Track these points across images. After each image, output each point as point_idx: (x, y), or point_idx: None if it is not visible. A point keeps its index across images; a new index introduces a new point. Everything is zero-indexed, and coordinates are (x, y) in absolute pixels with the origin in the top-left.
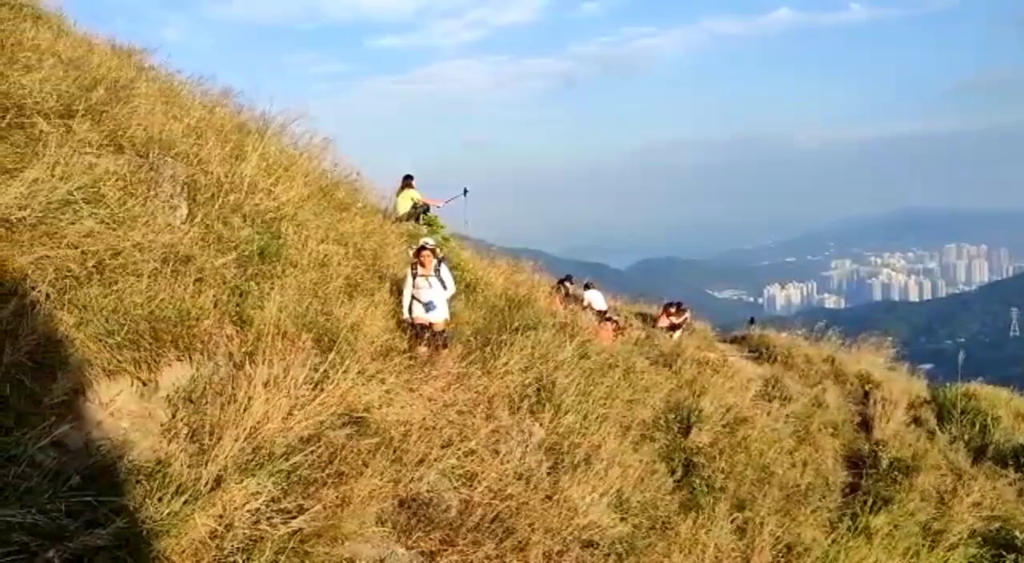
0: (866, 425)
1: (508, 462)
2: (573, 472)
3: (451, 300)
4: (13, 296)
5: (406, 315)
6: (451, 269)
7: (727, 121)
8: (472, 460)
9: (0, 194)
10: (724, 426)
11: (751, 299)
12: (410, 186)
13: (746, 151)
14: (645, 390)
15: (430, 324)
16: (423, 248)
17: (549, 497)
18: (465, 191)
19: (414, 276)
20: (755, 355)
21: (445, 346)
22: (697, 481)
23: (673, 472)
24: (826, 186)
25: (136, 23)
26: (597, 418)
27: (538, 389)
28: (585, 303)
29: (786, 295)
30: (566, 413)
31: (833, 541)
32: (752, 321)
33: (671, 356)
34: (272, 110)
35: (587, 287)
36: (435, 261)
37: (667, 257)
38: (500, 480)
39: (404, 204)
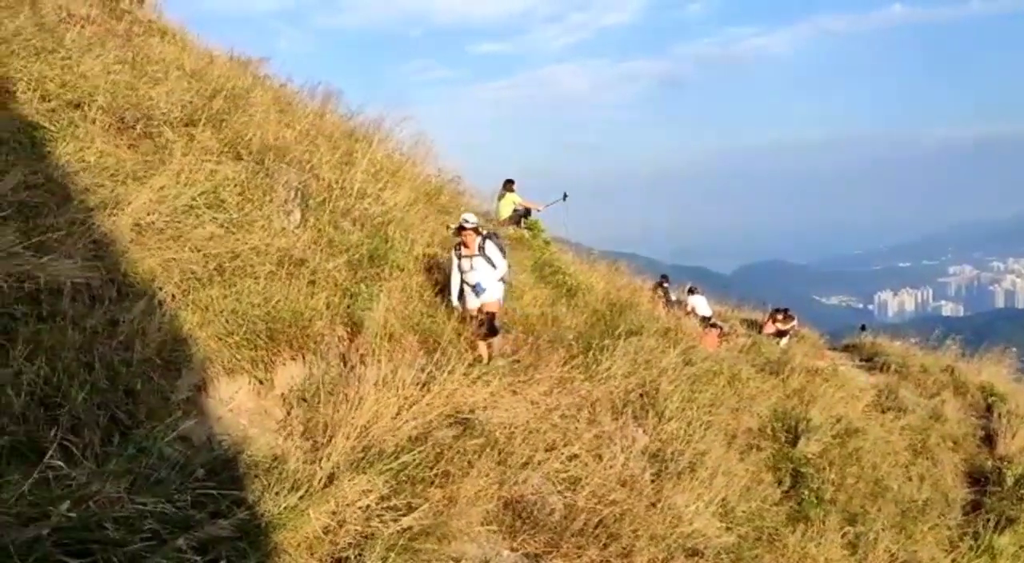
0: (989, 440)
1: (611, 467)
2: (677, 479)
3: (505, 281)
4: (142, 296)
5: (455, 302)
6: (501, 246)
7: (835, 121)
8: (576, 464)
9: (132, 200)
10: (834, 437)
11: (861, 305)
12: (511, 190)
13: (855, 152)
14: (751, 398)
15: (482, 309)
16: (463, 226)
17: (653, 504)
18: (565, 196)
19: (459, 257)
20: (867, 364)
21: (495, 333)
22: (805, 492)
23: (780, 482)
24: (944, 188)
25: (252, 34)
26: (701, 425)
27: (641, 395)
28: (689, 308)
29: (899, 301)
30: (670, 419)
31: (953, 561)
32: (863, 328)
33: (778, 364)
34: (379, 116)
35: (691, 292)
36: (479, 239)
37: (772, 261)
38: (603, 485)
39: (505, 208)
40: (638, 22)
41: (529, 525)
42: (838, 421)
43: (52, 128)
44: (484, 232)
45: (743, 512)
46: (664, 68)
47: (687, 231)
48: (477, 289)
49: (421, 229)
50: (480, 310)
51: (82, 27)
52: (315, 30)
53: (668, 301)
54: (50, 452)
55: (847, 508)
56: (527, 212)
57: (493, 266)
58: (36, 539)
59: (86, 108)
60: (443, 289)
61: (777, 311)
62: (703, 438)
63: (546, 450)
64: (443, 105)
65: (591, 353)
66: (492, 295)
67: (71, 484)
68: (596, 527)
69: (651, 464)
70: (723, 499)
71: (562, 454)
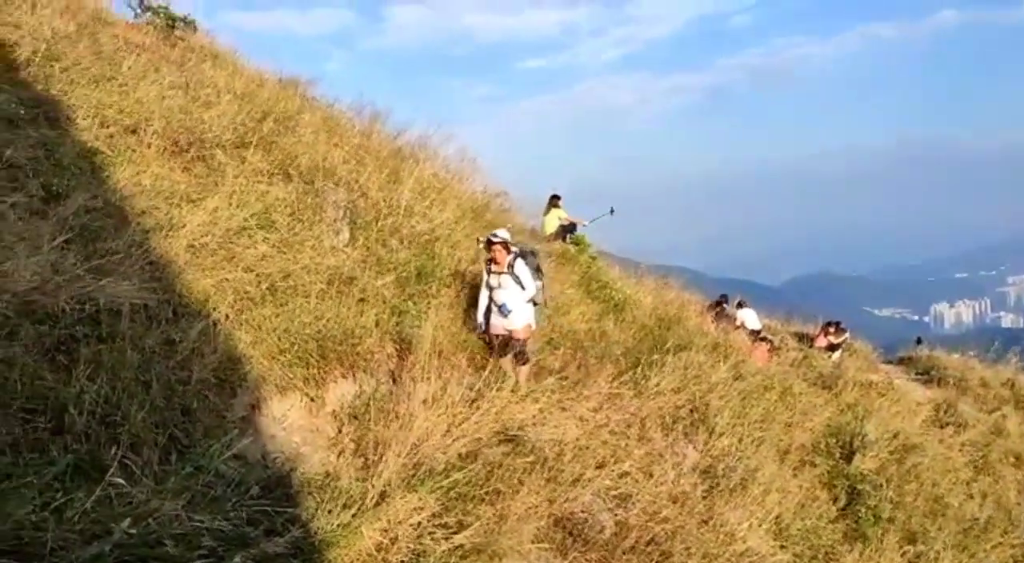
0: None
1: (662, 484)
2: (729, 496)
3: (538, 303)
4: (197, 317)
5: (479, 319)
6: (535, 266)
7: (886, 129)
8: (626, 481)
9: (186, 222)
10: (891, 453)
11: (915, 317)
12: (556, 206)
13: (907, 160)
14: (803, 413)
15: (509, 333)
16: (491, 241)
17: (705, 521)
18: (612, 211)
19: (488, 273)
20: (923, 378)
21: (524, 361)
22: (862, 510)
23: (836, 500)
24: (1001, 195)
25: (301, 56)
26: (753, 441)
27: (691, 410)
28: (738, 322)
29: (956, 313)
30: (721, 435)
31: None
32: (919, 341)
33: (831, 378)
34: (425, 135)
35: (739, 305)
36: (509, 256)
37: (822, 272)
38: (654, 502)
39: (551, 223)
40: (683, 34)
41: (580, 543)
42: (895, 437)
43: (110, 153)
44: (516, 249)
45: (798, 530)
46: (709, 80)
47: (734, 243)
48: (503, 309)
49: (467, 246)
50: (508, 334)
51: (138, 54)
52: (361, 51)
53: (720, 317)
54: (111, 470)
55: (906, 527)
56: (573, 227)
57: (521, 287)
58: (99, 555)
59: (142, 133)
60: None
61: (828, 324)
62: (755, 454)
63: (596, 467)
64: (487, 122)
65: (640, 368)
66: (519, 318)
67: (131, 501)
68: (648, 545)
69: (702, 481)
70: (777, 516)
71: (612, 471)
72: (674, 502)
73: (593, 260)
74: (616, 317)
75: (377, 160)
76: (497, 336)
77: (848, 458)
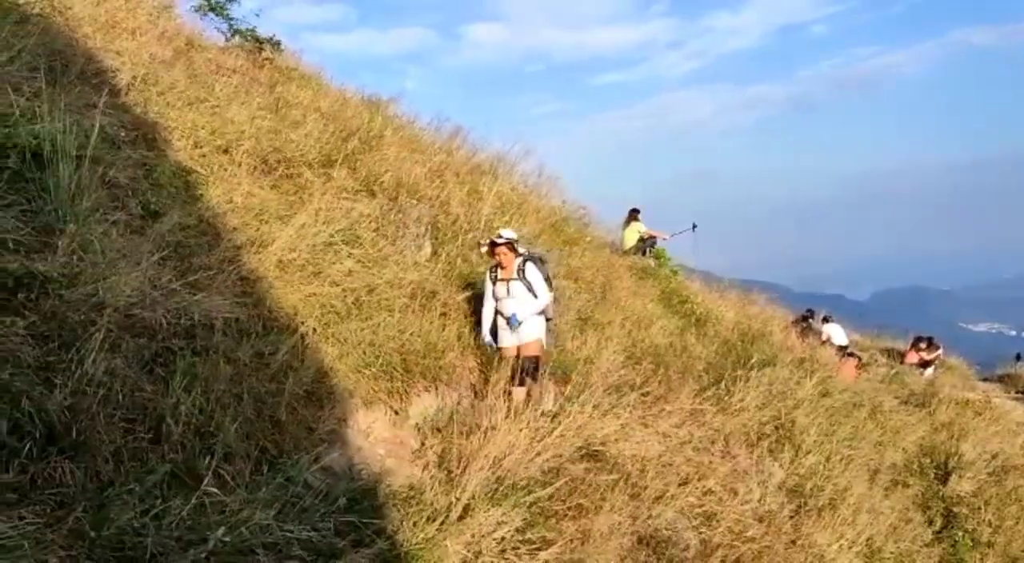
0: None
1: (747, 503)
2: (818, 516)
3: (549, 316)
4: (286, 331)
5: (487, 338)
6: (546, 272)
7: (977, 141)
8: (710, 499)
9: (275, 239)
10: (990, 474)
11: (1013, 333)
12: (636, 219)
13: (1002, 172)
14: (895, 432)
15: (520, 350)
16: (495, 243)
17: (793, 542)
18: (694, 226)
19: (493, 281)
20: None
21: (533, 378)
22: (960, 534)
23: (931, 522)
24: None
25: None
26: (841, 460)
27: (776, 427)
28: (824, 337)
29: None
30: (807, 453)
31: None
32: (1019, 357)
33: (924, 395)
34: (504, 150)
35: (826, 320)
36: (518, 259)
37: (912, 287)
38: (740, 521)
39: (631, 237)
40: (761, 46)
41: (664, 561)
42: (994, 457)
43: (204, 172)
44: (524, 252)
45: (891, 553)
46: (789, 91)
47: (818, 257)
48: (512, 321)
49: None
50: (518, 351)
51: (229, 77)
52: (438, 69)
53: (805, 332)
54: (206, 479)
55: (1007, 552)
56: (653, 241)
57: (534, 295)
58: (195, 562)
59: (233, 152)
60: (571, 324)
61: (920, 339)
62: (844, 473)
63: (680, 484)
64: (562, 137)
65: (723, 384)
66: (531, 331)
67: (225, 510)
68: None
69: (789, 500)
70: (868, 538)
71: (696, 488)
72: (760, 521)
73: (674, 274)
74: (698, 332)
75: (457, 176)
76: (508, 356)
77: (943, 479)
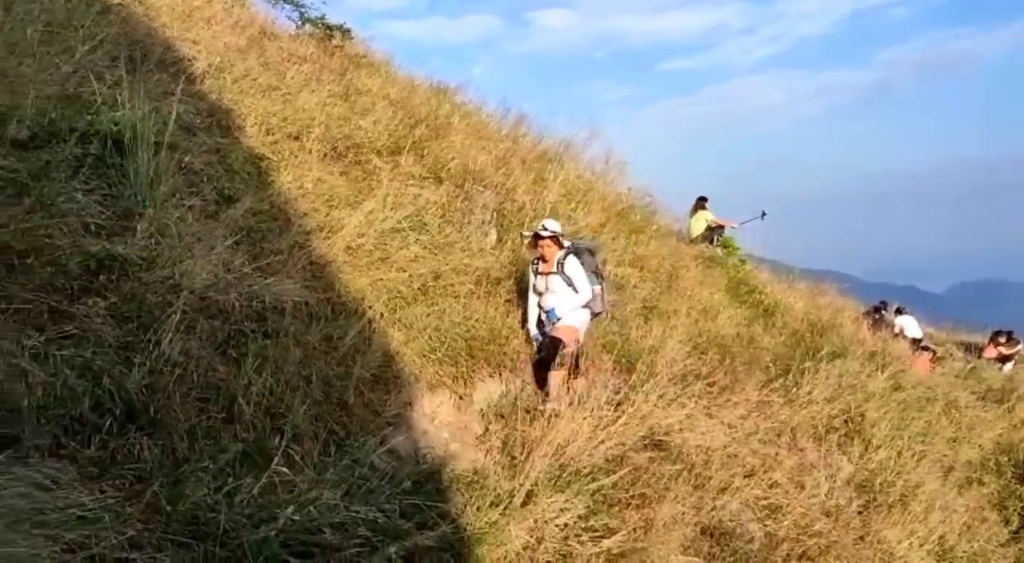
0: None
1: (814, 496)
2: (887, 512)
3: (595, 311)
4: (354, 315)
5: (533, 332)
6: (593, 265)
7: None
8: (776, 492)
9: (344, 224)
10: None
11: None
12: (703, 207)
13: None
14: (970, 428)
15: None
16: (539, 235)
17: (861, 537)
18: (763, 214)
19: (535, 274)
20: None
21: (551, 359)
22: None
23: (1007, 522)
24: None
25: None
26: (913, 455)
27: (845, 421)
28: (897, 330)
29: None
30: (878, 448)
31: None
32: None
33: (1002, 391)
34: (569, 137)
35: (899, 312)
36: (560, 252)
37: (990, 279)
38: (806, 515)
39: (698, 225)
40: (837, 30)
41: (728, 553)
42: None
43: (275, 158)
44: (568, 244)
45: (964, 552)
46: (864, 78)
47: (893, 248)
48: (551, 316)
49: (612, 248)
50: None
51: (300, 65)
52: (506, 56)
53: (877, 324)
54: (276, 459)
55: None
56: (721, 229)
57: (574, 290)
58: (266, 539)
59: (304, 139)
60: (636, 312)
61: (999, 333)
62: (915, 469)
63: (745, 476)
64: (629, 124)
65: (790, 376)
66: (566, 320)
67: (294, 490)
68: (800, 559)
69: (858, 495)
70: (940, 536)
71: (762, 481)
72: (827, 516)
73: (742, 263)
74: (765, 322)
75: (523, 163)
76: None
77: (1021, 478)
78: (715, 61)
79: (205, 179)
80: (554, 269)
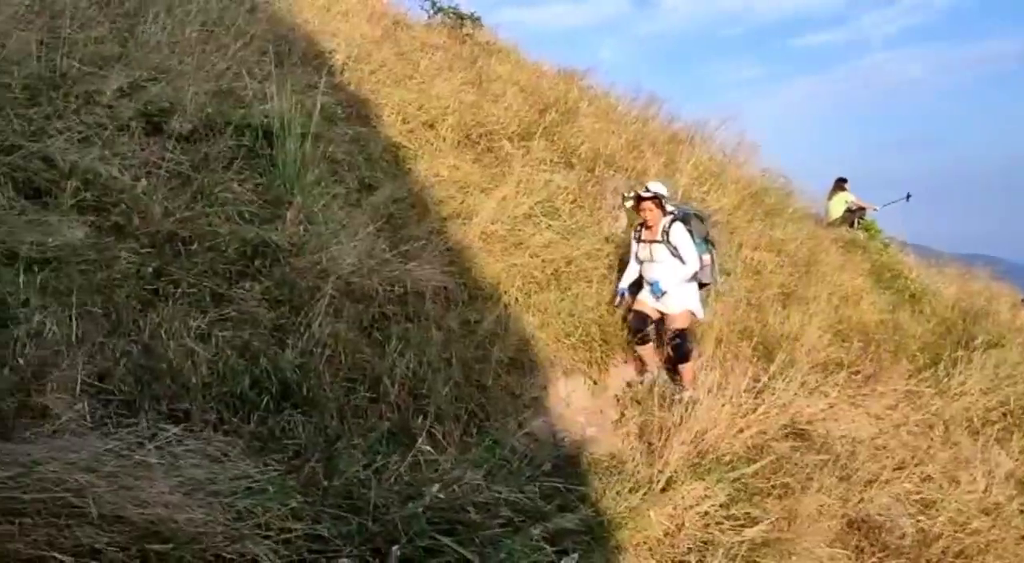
0: None
1: (971, 492)
2: None
3: (704, 282)
4: (490, 300)
5: (623, 285)
6: (703, 232)
7: None
8: (928, 486)
9: (479, 211)
10: None
11: None
12: (843, 189)
13: None
14: None
15: (661, 317)
16: (641, 197)
17: (1023, 537)
18: (908, 196)
19: (637, 241)
20: None
21: (683, 358)
22: None
23: None
24: None
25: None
26: None
27: (1004, 414)
28: None
29: None
30: None
31: None
32: None
33: None
34: (701, 119)
35: None
36: (666, 218)
37: None
38: (962, 511)
39: (837, 208)
40: None
41: (878, 548)
42: None
43: (411, 146)
44: (674, 210)
45: None
46: (1018, 48)
47: None
48: (655, 289)
49: (748, 231)
50: (659, 317)
51: (432, 54)
52: (633, 38)
53: None
54: (420, 438)
55: None
56: (862, 212)
57: (681, 260)
58: (414, 515)
59: (438, 127)
60: (774, 298)
61: None
62: None
63: (894, 469)
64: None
65: (941, 365)
66: (678, 301)
67: (438, 469)
68: (956, 557)
69: (1018, 492)
70: None
71: (913, 474)
72: (986, 514)
73: (885, 247)
74: (912, 309)
75: (653, 146)
76: (642, 316)
77: None
78: (852, 35)
79: (347, 168)
80: (658, 237)
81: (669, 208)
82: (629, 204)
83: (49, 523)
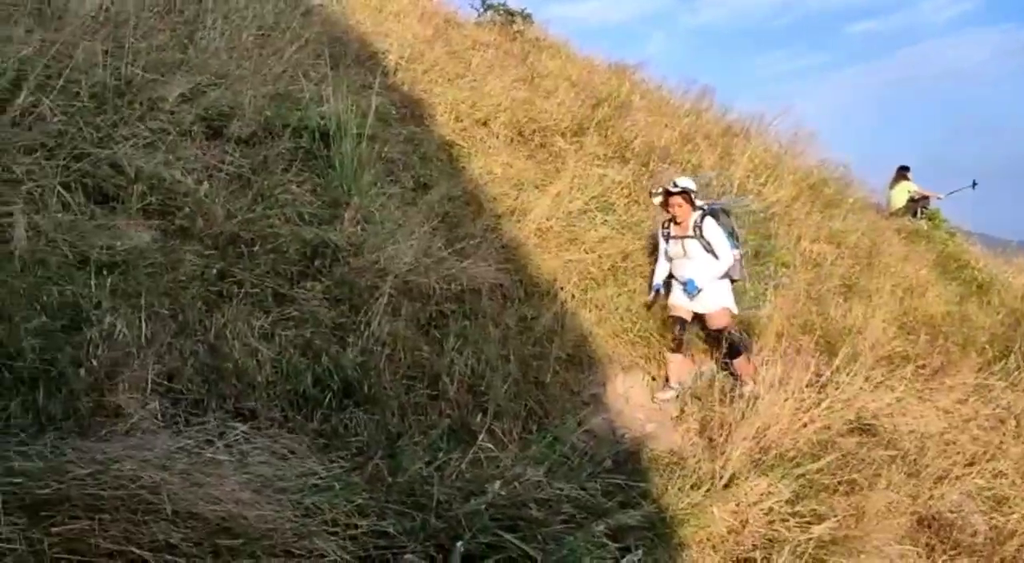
0: None
1: None
2: None
3: (736, 277)
4: (547, 296)
5: (657, 281)
6: (730, 226)
7: None
8: (1001, 482)
9: (533, 207)
10: None
11: None
12: (905, 178)
13: None
14: None
15: (693, 317)
16: (669, 192)
17: None
18: (974, 184)
19: (666, 238)
20: None
21: (737, 353)
22: None
23: None
24: None
25: (624, 40)
26: None
27: None
28: None
29: None
30: None
31: None
32: None
33: None
34: (754, 111)
35: None
36: (696, 213)
37: None
38: None
39: (899, 197)
40: None
41: (950, 545)
42: None
43: (464, 145)
44: (704, 205)
45: None
46: None
47: None
48: (688, 287)
49: (806, 223)
50: (695, 316)
51: (484, 51)
52: (681, 30)
53: None
54: (481, 435)
55: None
56: (926, 201)
57: (714, 256)
58: (476, 511)
59: (491, 124)
60: (835, 291)
61: None
62: None
63: (965, 465)
64: (816, 92)
65: (1012, 358)
66: (713, 300)
67: (499, 466)
68: None
69: None
70: None
71: (985, 470)
72: None
73: (951, 237)
74: (980, 300)
75: (707, 139)
76: (680, 320)
77: None
78: (906, 21)
79: (402, 167)
80: (690, 232)
81: (698, 203)
82: (657, 200)
83: (126, 519)
